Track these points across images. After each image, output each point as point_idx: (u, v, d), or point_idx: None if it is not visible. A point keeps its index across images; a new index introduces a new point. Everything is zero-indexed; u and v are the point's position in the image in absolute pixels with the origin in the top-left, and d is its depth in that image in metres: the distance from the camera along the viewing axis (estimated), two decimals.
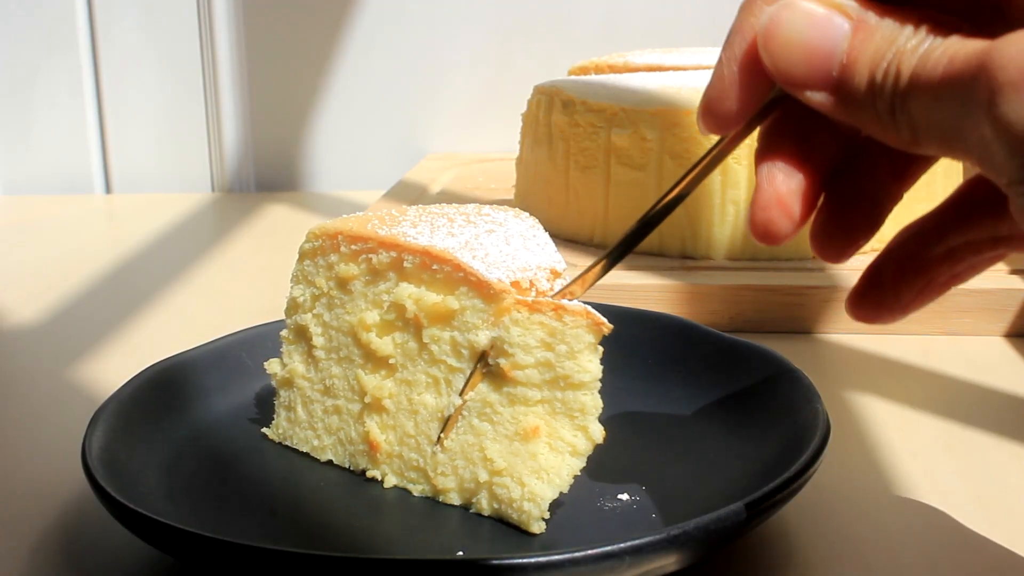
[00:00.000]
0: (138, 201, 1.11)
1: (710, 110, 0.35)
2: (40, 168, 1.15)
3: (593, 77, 0.84)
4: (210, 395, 0.51)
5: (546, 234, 0.47)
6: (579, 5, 1.10)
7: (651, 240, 0.73)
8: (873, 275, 0.37)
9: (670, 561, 0.36)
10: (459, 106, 1.13)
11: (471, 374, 0.43)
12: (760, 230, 0.35)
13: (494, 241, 0.45)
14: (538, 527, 0.41)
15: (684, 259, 0.72)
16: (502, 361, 0.42)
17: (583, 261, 0.72)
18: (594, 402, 0.41)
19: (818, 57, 0.32)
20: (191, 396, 0.50)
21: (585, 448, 0.41)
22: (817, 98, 0.33)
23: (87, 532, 0.44)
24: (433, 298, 0.44)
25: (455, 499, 0.44)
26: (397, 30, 1.11)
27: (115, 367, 0.62)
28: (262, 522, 0.42)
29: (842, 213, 0.36)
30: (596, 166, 0.74)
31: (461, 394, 0.43)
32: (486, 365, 0.43)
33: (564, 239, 0.77)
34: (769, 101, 0.35)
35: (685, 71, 0.83)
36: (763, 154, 0.35)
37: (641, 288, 0.66)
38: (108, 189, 1.16)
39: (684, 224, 0.72)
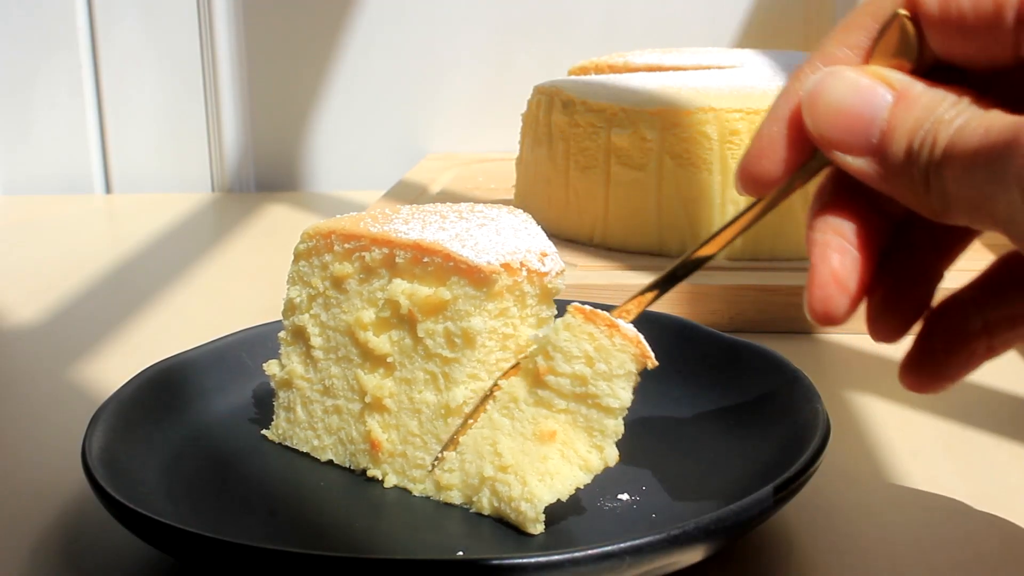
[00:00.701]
0: (138, 201, 1.11)
1: (748, 169, 0.36)
2: (40, 168, 1.15)
3: (593, 77, 0.84)
4: (210, 395, 0.51)
5: (539, 227, 0.47)
6: (579, 5, 1.10)
7: (651, 240, 0.73)
8: (923, 347, 0.37)
9: (670, 561, 0.36)
10: (459, 106, 1.13)
11: (511, 366, 0.43)
12: (819, 309, 0.35)
13: (485, 233, 0.45)
14: (535, 528, 0.41)
15: None
16: (541, 361, 0.42)
17: (583, 261, 0.72)
18: (616, 427, 0.41)
19: (859, 123, 0.33)
20: (191, 396, 0.50)
21: (596, 466, 0.41)
22: (856, 164, 0.33)
23: (87, 532, 0.44)
24: (425, 291, 0.44)
25: (456, 497, 0.44)
26: (397, 30, 1.11)
27: (115, 367, 0.62)
28: (262, 522, 0.42)
29: (891, 294, 0.37)
30: (596, 166, 0.74)
31: (495, 384, 0.43)
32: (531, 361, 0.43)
33: (564, 239, 0.77)
34: (807, 168, 0.35)
35: (685, 71, 0.83)
36: (814, 234, 0.36)
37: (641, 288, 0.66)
38: (108, 189, 1.16)
39: (684, 224, 0.72)
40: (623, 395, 0.41)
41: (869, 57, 0.35)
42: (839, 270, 0.35)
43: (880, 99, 0.33)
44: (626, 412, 0.41)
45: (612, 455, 0.41)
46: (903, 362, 0.38)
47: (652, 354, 0.41)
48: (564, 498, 0.41)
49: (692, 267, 0.40)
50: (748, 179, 0.36)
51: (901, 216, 0.36)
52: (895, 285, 0.37)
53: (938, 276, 0.37)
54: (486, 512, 0.43)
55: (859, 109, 0.33)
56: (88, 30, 1.13)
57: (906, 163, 0.32)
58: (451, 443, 0.44)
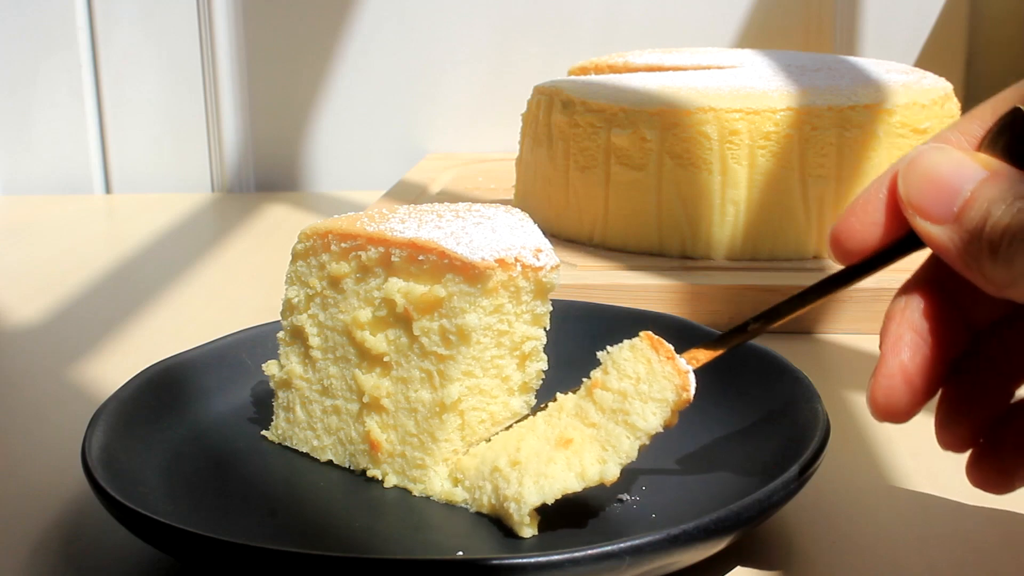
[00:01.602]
0: (138, 201, 1.11)
1: (841, 229, 0.36)
2: (40, 168, 1.15)
3: (593, 77, 0.84)
4: (210, 395, 0.51)
5: (535, 225, 0.47)
6: (579, 5, 1.10)
7: (651, 240, 0.73)
8: (990, 448, 0.38)
9: (670, 561, 0.36)
10: (459, 106, 1.13)
11: (585, 387, 0.43)
12: (882, 401, 0.35)
13: (480, 231, 0.45)
14: (524, 532, 0.41)
15: (684, 259, 0.72)
16: (598, 374, 0.42)
17: (583, 261, 0.72)
18: (629, 448, 0.41)
19: (945, 191, 0.34)
20: (191, 396, 0.50)
21: (592, 478, 0.41)
22: (935, 232, 0.34)
23: (87, 532, 0.44)
24: (421, 289, 0.44)
25: (461, 493, 0.44)
26: (397, 30, 1.11)
27: (115, 367, 0.62)
28: (262, 522, 0.42)
29: (961, 403, 0.37)
30: (596, 166, 0.74)
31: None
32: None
33: (564, 239, 0.77)
34: (897, 245, 0.36)
35: (685, 71, 0.83)
36: (891, 324, 0.36)
37: (641, 288, 0.66)
38: (108, 189, 1.16)
39: (684, 224, 0.72)
40: (651, 419, 0.41)
41: (979, 147, 0.35)
42: (908, 366, 0.35)
43: (971, 173, 0.34)
44: (647, 440, 0.41)
45: (612, 473, 0.41)
46: (969, 462, 0.38)
47: (693, 389, 0.41)
48: (550, 501, 0.41)
49: (759, 329, 0.41)
50: (838, 240, 0.37)
51: (982, 324, 0.37)
52: (966, 395, 0.37)
53: (1011, 391, 0.37)
54: (484, 510, 0.43)
55: (948, 178, 0.34)
56: (88, 30, 1.13)
57: (978, 232, 0.32)
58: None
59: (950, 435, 0.38)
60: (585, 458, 0.41)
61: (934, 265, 0.37)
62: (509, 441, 0.43)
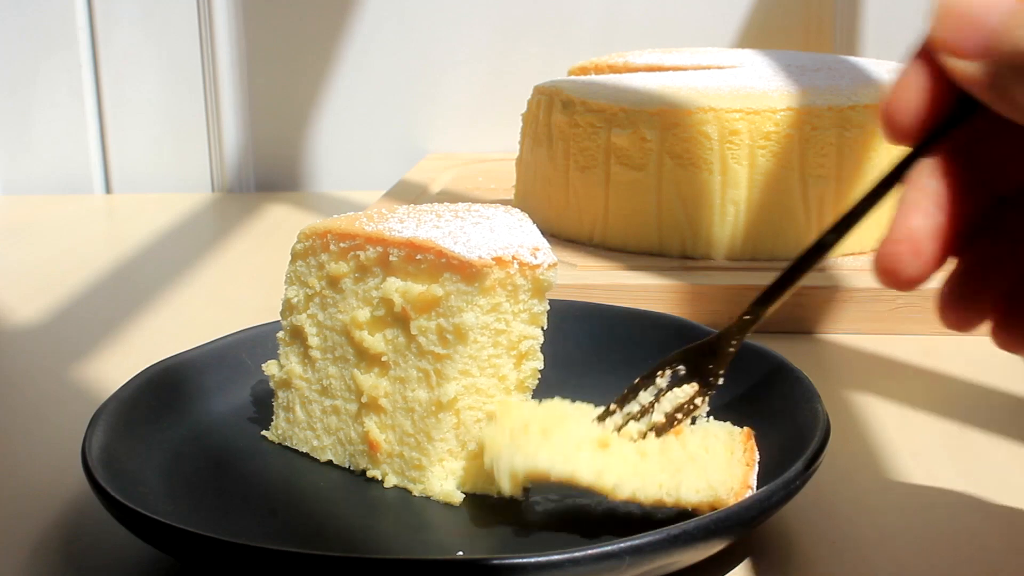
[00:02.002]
0: (138, 201, 1.11)
1: (888, 109, 0.35)
2: (40, 168, 1.15)
3: (593, 77, 0.84)
4: (210, 395, 0.51)
5: (533, 225, 0.47)
6: (579, 5, 1.10)
7: (651, 240, 0.73)
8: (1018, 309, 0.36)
9: (670, 561, 0.36)
10: (459, 106, 1.13)
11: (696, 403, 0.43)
12: (885, 266, 0.33)
13: (479, 230, 0.45)
14: (506, 488, 0.41)
15: (684, 259, 0.72)
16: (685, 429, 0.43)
17: (583, 261, 0.72)
18: (663, 495, 0.41)
19: (974, 22, 0.32)
20: (191, 396, 0.50)
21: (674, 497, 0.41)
22: (964, 68, 0.32)
23: (87, 532, 0.44)
24: (418, 289, 0.44)
25: (458, 495, 0.44)
26: (397, 30, 1.11)
27: (115, 367, 0.62)
28: (262, 522, 0.42)
29: (969, 280, 0.35)
30: (596, 166, 0.74)
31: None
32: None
33: (564, 239, 0.77)
34: (949, 119, 0.34)
35: (685, 71, 0.83)
36: (906, 190, 0.34)
37: (641, 288, 0.66)
38: (108, 189, 1.16)
39: (684, 224, 0.72)
40: (692, 496, 0.41)
41: None
42: (917, 232, 0.33)
43: (1002, 4, 0.32)
44: (670, 505, 0.41)
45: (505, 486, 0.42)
46: (996, 327, 0.36)
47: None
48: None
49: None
50: (889, 116, 0.34)
51: (1009, 189, 0.35)
52: (985, 263, 0.35)
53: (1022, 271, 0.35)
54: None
55: (976, 9, 0.32)
56: (88, 30, 1.13)
57: (1009, 58, 0.31)
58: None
59: (960, 310, 0.35)
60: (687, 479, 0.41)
61: (960, 132, 0.34)
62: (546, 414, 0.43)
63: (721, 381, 0.43)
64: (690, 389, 0.43)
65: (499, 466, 0.41)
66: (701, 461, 0.41)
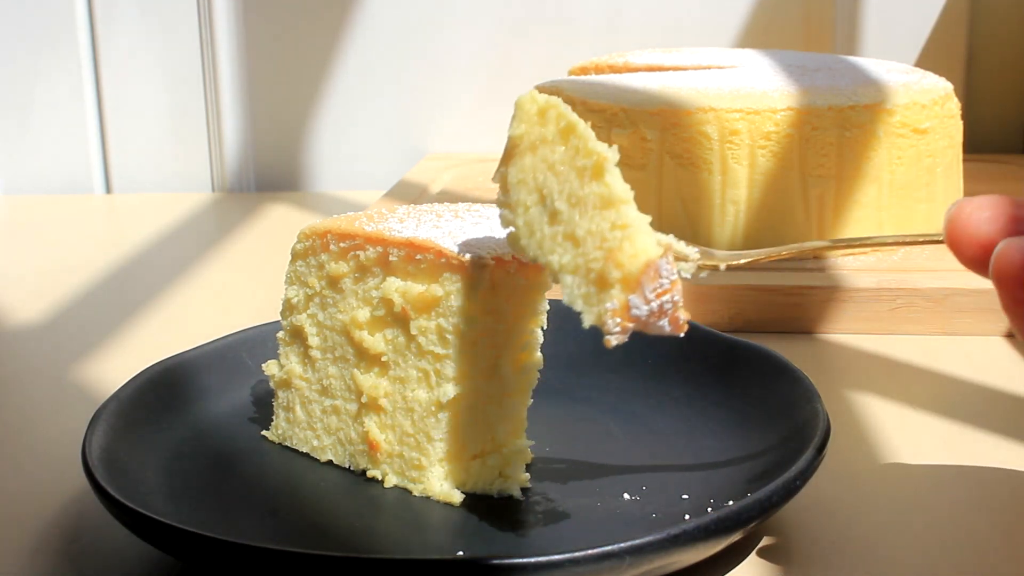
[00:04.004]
0: (138, 201, 1.11)
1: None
2: (40, 168, 1.15)
3: (593, 77, 0.84)
4: (210, 395, 0.51)
5: None
6: (579, 5, 1.10)
7: None
8: None
9: (670, 561, 0.36)
10: (459, 106, 1.13)
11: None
12: (957, 227, 0.35)
13: (479, 230, 0.45)
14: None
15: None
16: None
17: None
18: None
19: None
20: (191, 396, 0.50)
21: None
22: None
23: (87, 532, 0.44)
24: (418, 288, 0.44)
25: (458, 495, 0.44)
26: (397, 30, 1.11)
27: (115, 367, 0.62)
28: (262, 522, 0.42)
29: None
30: None
31: None
32: None
33: None
34: None
35: (685, 71, 0.83)
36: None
37: None
38: (108, 189, 1.16)
39: (684, 224, 0.72)
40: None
41: None
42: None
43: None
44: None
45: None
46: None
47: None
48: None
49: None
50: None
51: None
52: None
53: None
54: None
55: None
56: (88, 30, 1.13)
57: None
58: None
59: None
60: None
61: None
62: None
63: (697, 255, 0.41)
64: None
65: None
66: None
